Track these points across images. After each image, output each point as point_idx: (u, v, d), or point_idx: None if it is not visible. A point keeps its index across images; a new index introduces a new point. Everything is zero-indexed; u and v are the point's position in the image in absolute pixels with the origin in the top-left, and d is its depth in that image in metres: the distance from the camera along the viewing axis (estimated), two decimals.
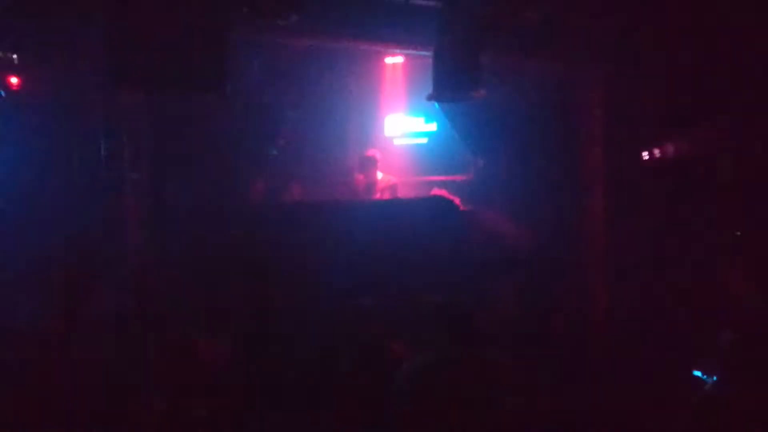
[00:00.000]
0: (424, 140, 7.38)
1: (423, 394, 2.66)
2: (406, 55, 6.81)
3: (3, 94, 5.15)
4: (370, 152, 6.69)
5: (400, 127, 7.42)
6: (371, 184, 6.60)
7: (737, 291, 3.87)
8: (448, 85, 5.03)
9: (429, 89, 5.20)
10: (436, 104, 5.84)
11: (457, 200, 5.82)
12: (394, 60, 7.08)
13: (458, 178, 6.96)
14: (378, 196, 6.55)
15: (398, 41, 5.69)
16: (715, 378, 2.88)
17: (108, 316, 4.16)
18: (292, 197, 6.59)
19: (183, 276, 4.61)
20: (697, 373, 2.96)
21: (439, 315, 2.83)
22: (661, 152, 5.63)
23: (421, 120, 7.36)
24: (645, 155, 5.74)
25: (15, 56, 5.03)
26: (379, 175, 6.66)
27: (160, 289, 4.51)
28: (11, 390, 3.78)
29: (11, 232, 4.67)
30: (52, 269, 4.55)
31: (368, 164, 6.60)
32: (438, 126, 7.24)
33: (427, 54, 5.16)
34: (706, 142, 5.20)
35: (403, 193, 6.77)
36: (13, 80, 5.11)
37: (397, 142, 7.42)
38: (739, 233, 4.77)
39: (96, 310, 4.31)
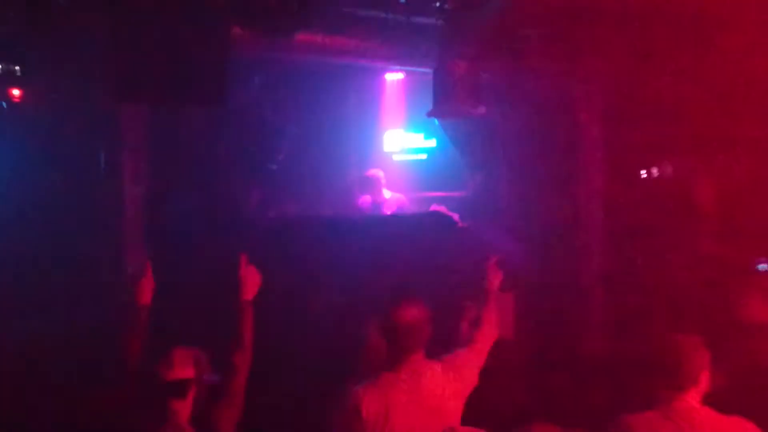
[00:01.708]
0: (423, 156, 7.40)
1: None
2: (407, 72, 6.85)
3: (4, 105, 5.18)
4: (372, 172, 6.62)
5: (400, 143, 7.44)
6: (378, 204, 6.55)
7: (747, 315, 3.85)
8: (448, 102, 5.06)
9: (429, 105, 5.23)
10: (436, 120, 5.87)
11: (455, 216, 5.82)
12: (395, 76, 7.11)
13: (457, 194, 6.97)
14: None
15: (399, 58, 5.74)
16: None
17: (105, 327, 4.16)
18: (289, 212, 6.58)
19: (181, 288, 4.60)
20: None
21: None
22: (659, 171, 5.66)
23: (420, 136, 7.38)
24: (643, 173, 5.77)
25: (17, 68, 5.07)
26: (387, 194, 6.61)
27: (158, 301, 4.49)
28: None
29: (10, 242, 4.66)
30: (51, 280, 4.56)
31: (371, 184, 6.54)
32: (437, 142, 7.26)
33: (428, 71, 5.21)
34: (706, 162, 5.22)
35: (410, 207, 6.73)
36: (15, 92, 5.13)
37: (396, 157, 7.44)
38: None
39: (95, 321, 4.31)
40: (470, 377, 2.80)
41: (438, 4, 4.99)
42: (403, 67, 6.62)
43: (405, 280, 4.55)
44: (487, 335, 2.94)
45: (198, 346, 2.69)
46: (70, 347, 4.10)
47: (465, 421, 2.73)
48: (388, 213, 6.48)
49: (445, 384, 2.71)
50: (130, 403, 2.67)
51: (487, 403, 3.03)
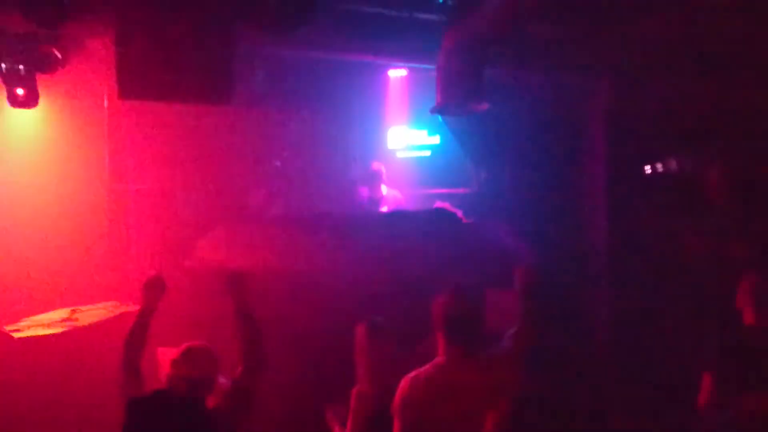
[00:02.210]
0: (427, 153, 7.39)
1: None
2: (410, 68, 6.84)
3: (10, 105, 5.19)
4: (375, 166, 6.65)
5: (403, 140, 7.43)
6: (376, 200, 6.57)
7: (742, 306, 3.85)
8: (452, 99, 5.05)
9: (432, 102, 5.22)
10: (440, 117, 5.86)
11: (459, 213, 5.81)
12: (398, 73, 7.11)
13: (461, 191, 6.97)
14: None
15: (402, 54, 5.73)
16: None
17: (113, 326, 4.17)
18: (292, 209, 6.59)
19: (188, 286, 4.60)
20: None
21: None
22: (664, 167, 5.64)
23: (424, 133, 7.37)
24: (648, 169, 5.75)
25: (22, 67, 5.08)
26: (384, 189, 6.64)
27: (165, 300, 4.50)
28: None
29: (18, 242, 4.69)
30: (57, 278, 4.57)
31: (372, 178, 6.57)
32: (441, 139, 7.26)
33: (431, 67, 5.20)
34: (709, 158, 5.21)
35: (406, 205, 6.76)
36: (20, 91, 5.14)
37: (400, 154, 7.43)
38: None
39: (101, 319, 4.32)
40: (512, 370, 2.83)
41: (441, 0, 4.98)
42: (406, 64, 6.62)
43: (410, 276, 4.55)
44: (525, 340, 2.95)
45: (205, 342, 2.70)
46: (76, 347, 4.11)
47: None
48: (384, 208, 6.50)
49: (485, 376, 2.74)
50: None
51: None
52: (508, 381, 2.80)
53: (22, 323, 4.25)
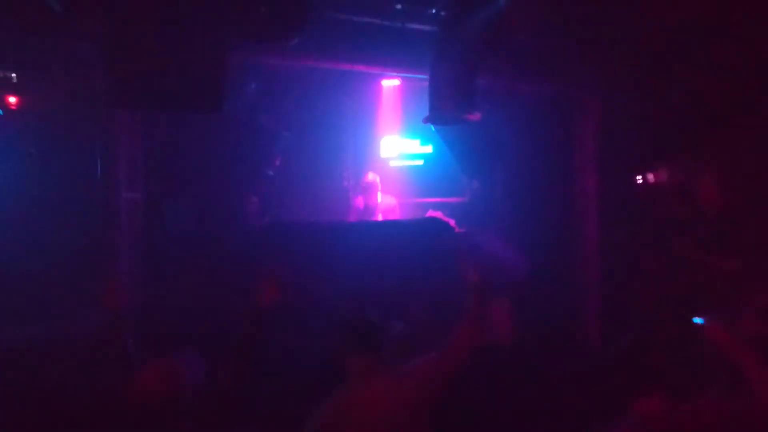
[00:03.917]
0: (419, 162, 7.42)
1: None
2: (403, 78, 6.87)
3: (1, 112, 5.18)
4: (371, 179, 6.67)
5: (396, 149, 7.46)
6: (371, 207, 6.61)
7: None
8: (444, 108, 5.07)
9: (425, 112, 5.25)
10: (432, 126, 5.89)
11: (452, 222, 5.83)
12: (391, 82, 7.14)
13: (453, 200, 6.99)
14: (378, 218, 6.56)
15: (395, 64, 5.76)
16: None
17: (99, 335, 4.14)
18: (285, 218, 6.59)
19: (177, 296, 4.60)
20: None
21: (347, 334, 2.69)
22: (655, 177, 5.67)
23: (416, 142, 7.40)
24: (639, 179, 5.78)
25: (14, 75, 5.07)
26: (379, 197, 6.66)
27: (154, 309, 4.50)
28: None
29: (5, 249, 4.66)
30: (46, 286, 4.54)
31: (368, 189, 6.61)
32: (434, 148, 7.29)
33: (424, 77, 5.22)
34: (697, 168, 5.24)
35: (399, 214, 6.79)
36: (12, 99, 5.13)
37: (392, 163, 7.46)
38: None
39: (88, 328, 4.29)
40: (431, 385, 2.66)
41: (433, 11, 5.01)
42: (398, 74, 6.65)
43: (401, 285, 4.55)
44: (460, 343, 2.75)
45: (195, 350, 2.70)
46: (67, 353, 4.09)
47: (460, 426, 2.72)
48: (379, 215, 6.53)
49: (396, 393, 2.61)
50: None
51: (484, 407, 3.02)
52: (423, 398, 2.62)
53: None
